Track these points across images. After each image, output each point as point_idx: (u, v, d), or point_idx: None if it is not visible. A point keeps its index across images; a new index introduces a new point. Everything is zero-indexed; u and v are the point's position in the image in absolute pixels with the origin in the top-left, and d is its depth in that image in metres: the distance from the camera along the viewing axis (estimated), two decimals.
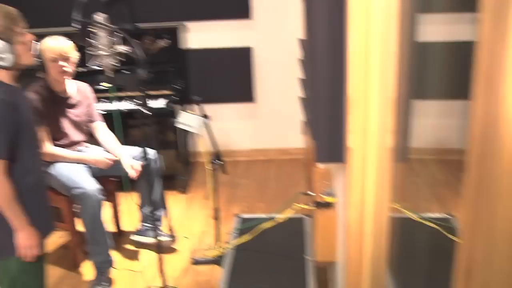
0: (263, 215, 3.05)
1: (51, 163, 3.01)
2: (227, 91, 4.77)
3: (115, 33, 2.15)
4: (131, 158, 3.28)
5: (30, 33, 2.08)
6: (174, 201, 4.12)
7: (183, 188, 4.31)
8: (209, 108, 2.92)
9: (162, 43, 4.32)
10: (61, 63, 3.04)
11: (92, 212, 2.98)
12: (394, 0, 1.42)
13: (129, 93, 4.24)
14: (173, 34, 4.40)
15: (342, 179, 2.21)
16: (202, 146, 2.77)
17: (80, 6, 2.02)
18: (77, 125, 3.29)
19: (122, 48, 2.13)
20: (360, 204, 1.65)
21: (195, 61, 4.70)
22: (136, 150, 3.37)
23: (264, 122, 4.96)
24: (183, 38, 4.53)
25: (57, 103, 3.17)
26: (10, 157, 2.04)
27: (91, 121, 3.41)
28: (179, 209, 4.03)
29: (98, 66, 2.14)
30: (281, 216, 2.72)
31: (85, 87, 3.39)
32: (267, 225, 2.73)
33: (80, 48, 3.21)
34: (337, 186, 2.47)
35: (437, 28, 1.81)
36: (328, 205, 2.44)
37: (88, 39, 2.09)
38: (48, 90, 3.13)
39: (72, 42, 3.12)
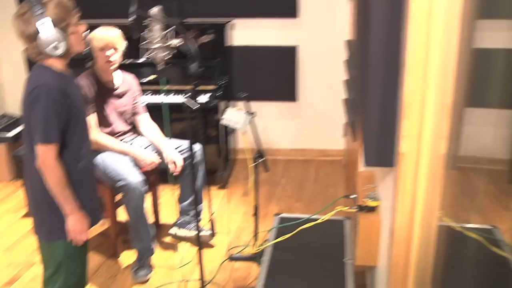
0: (302, 215, 3.02)
1: (97, 152, 3.06)
2: (269, 89, 4.76)
3: (169, 26, 2.17)
4: (174, 152, 3.31)
5: (83, 23, 2.12)
6: (213, 196, 4.15)
7: (222, 183, 4.33)
8: (251, 105, 2.92)
9: (205, 38, 4.35)
10: (108, 52, 3.10)
11: (136, 204, 3.02)
12: (458, 4, 1.39)
13: (175, 87, 4.28)
14: (219, 30, 4.42)
15: (388, 184, 2.17)
16: (245, 143, 2.77)
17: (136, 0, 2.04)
18: (122, 115, 3.34)
19: (175, 42, 2.15)
20: (409, 210, 1.62)
21: (239, 58, 4.71)
22: (180, 144, 3.40)
23: (305, 122, 4.94)
24: (228, 35, 4.54)
25: (104, 92, 3.23)
26: (62, 142, 2.10)
27: (136, 113, 3.46)
28: (217, 204, 4.05)
29: (151, 59, 2.16)
30: (321, 217, 2.69)
31: (131, 78, 3.44)
32: (306, 225, 2.71)
33: (131, 41, 3.28)
34: (382, 190, 2.44)
35: (498, 35, 1.76)
36: (371, 209, 2.41)
37: (143, 32, 2.12)
38: (96, 79, 3.20)
39: (120, 32, 3.17)
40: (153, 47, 2.10)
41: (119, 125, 3.33)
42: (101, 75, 3.22)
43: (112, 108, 3.27)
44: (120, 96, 3.32)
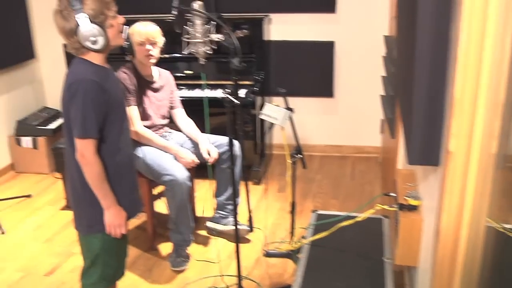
0: (340, 213, 2.99)
1: (138, 145, 3.09)
2: (306, 85, 4.73)
3: (210, 21, 2.16)
4: (209, 144, 3.32)
5: (121, 16, 2.13)
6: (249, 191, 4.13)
7: (257, 179, 4.32)
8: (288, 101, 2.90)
9: (239, 33, 4.33)
10: (147, 47, 3.14)
11: (180, 198, 3.06)
12: None
13: (210, 82, 4.29)
14: (255, 25, 4.40)
15: (432, 183, 2.13)
16: (283, 139, 2.74)
17: None
18: (159, 109, 3.37)
19: (216, 36, 2.14)
20: (456, 211, 1.58)
21: (276, 53, 4.68)
22: (217, 139, 3.41)
23: (341, 118, 4.89)
24: (265, 30, 4.51)
25: (143, 86, 3.27)
26: (100, 136, 2.11)
27: (172, 107, 3.48)
28: (252, 200, 4.04)
29: (192, 53, 2.15)
30: (360, 215, 2.65)
31: (167, 73, 3.47)
32: (344, 223, 2.67)
33: (168, 36, 3.30)
34: (424, 189, 2.39)
35: None
36: (412, 207, 2.36)
37: (185, 27, 2.11)
38: (135, 72, 3.24)
39: (159, 28, 3.20)
40: (195, 41, 2.10)
41: (157, 119, 3.36)
42: (141, 69, 3.26)
43: (151, 101, 3.31)
44: (158, 90, 3.35)
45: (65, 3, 2.00)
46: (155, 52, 3.19)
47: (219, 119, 4.35)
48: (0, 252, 3.47)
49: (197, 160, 3.27)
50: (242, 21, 4.40)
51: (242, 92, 4.17)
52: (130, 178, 2.33)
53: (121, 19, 2.13)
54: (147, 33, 3.13)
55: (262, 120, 4.43)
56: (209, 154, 3.30)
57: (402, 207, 2.38)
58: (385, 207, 2.54)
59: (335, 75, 4.72)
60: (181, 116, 3.51)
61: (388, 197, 3.42)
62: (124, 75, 3.17)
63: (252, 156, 4.35)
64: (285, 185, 4.33)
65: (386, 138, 4.35)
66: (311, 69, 4.69)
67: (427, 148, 1.76)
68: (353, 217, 2.74)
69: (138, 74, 3.25)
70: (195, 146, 3.37)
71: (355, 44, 4.63)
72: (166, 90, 3.43)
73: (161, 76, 3.40)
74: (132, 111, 3.17)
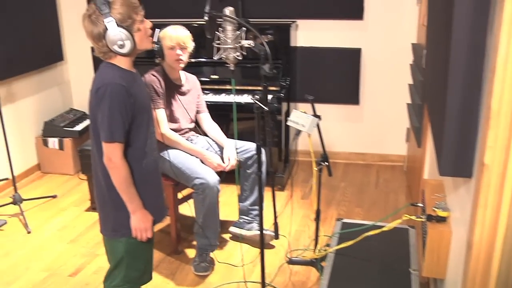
0: (365, 222, 2.96)
1: (165, 148, 3.10)
2: (331, 91, 4.70)
3: (240, 27, 2.16)
4: (232, 151, 3.32)
5: (148, 21, 2.14)
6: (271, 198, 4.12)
7: (281, 185, 4.31)
8: (311, 107, 2.88)
9: (264, 38, 4.33)
10: (178, 52, 3.16)
11: (210, 202, 3.08)
12: None
13: (236, 87, 4.31)
14: (282, 31, 4.39)
15: (462, 194, 2.09)
16: (310, 146, 2.73)
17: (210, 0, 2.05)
18: (186, 112, 3.39)
19: (247, 43, 2.14)
20: (491, 224, 1.55)
21: (302, 59, 4.67)
22: (243, 144, 3.41)
23: (366, 126, 4.85)
24: (292, 36, 4.50)
25: (171, 89, 3.30)
26: (127, 140, 2.12)
27: (198, 111, 3.50)
28: (276, 206, 4.02)
29: (223, 59, 2.15)
30: (386, 225, 2.62)
31: (194, 78, 3.50)
32: (369, 232, 2.64)
33: (197, 41, 3.31)
34: (453, 200, 2.35)
35: None
36: (441, 219, 2.32)
37: (216, 32, 2.12)
38: (164, 75, 3.27)
39: (190, 33, 3.22)
40: (226, 47, 2.10)
41: (184, 122, 3.38)
42: (169, 72, 3.29)
43: (178, 104, 3.33)
44: (185, 93, 3.38)
45: (94, 7, 2.02)
46: (185, 57, 3.22)
47: (243, 124, 4.36)
48: (26, 251, 3.51)
49: (223, 164, 3.27)
50: (268, 27, 4.40)
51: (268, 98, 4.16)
52: (156, 182, 2.34)
53: (148, 23, 2.14)
54: (178, 37, 3.16)
55: (287, 126, 4.42)
56: (228, 160, 3.31)
57: (430, 218, 2.34)
58: (413, 217, 2.50)
59: (361, 82, 4.69)
60: (207, 120, 3.53)
61: (414, 207, 3.38)
62: (153, 78, 3.20)
63: (276, 162, 4.33)
64: (308, 192, 4.31)
65: (412, 147, 4.30)
66: (337, 76, 4.66)
67: (460, 160, 1.74)
68: (379, 227, 2.71)
69: (167, 77, 3.28)
70: (221, 151, 3.38)
71: (382, 51, 4.59)
72: (193, 94, 3.45)
73: (188, 80, 3.43)
74: (160, 114, 3.20)
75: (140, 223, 2.20)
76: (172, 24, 3.27)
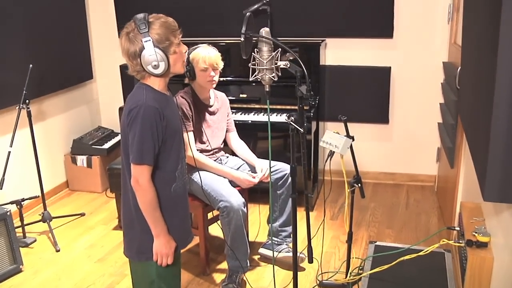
0: (399, 245, 2.89)
1: (194, 169, 3.08)
2: (361, 110, 4.64)
3: (276, 48, 2.14)
4: (265, 164, 3.31)
5: (185, 44, 2.13)
6: (300, 218, 4.06)
7: (310, 206, 4.25)
8: (340, 127, 2.83)
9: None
10: (211, 73, 3.15)
11: (236, 225, 3.04)
12: None
13: (265, 106, 4.28)
14: (312, 50, 4.36)
15: (508, 219, 2.02)
16: (342, 166, 2.68)
17: (247, 20, 2.03)
18: (216, 132, 3.37)
19: (283, 63, 2.11)
20: None
21: (331, 78, 4.63)
22: (275, 163, 3.37)
23: (396, 145, 4.78)
24: (320, 54, 4.47)
25: (201, 109, 3.29)
26: (156, 163, 2.09)
27: (227, 130, 3.48)
28: (303, 227, 3.96)
29: (259, 80, 2.13)
30: (422, 249, 2.55)
31: (223, 96, 3.48)
32: (405, 256, 2.58)
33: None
34: (496, 225, 2.27)
35: None
36: (482, 244, 2.25)
37: (253, 53, 2.10)
38: (193, 96, 3.25)
39: (219, 52, 3.22)
40: (262, 68, 2.07)
41: (214, 142, 3.36)
42: (199, 92, 3.28)
43: (208, 124, 3.31)
44: (214, 113, 3.36)
45: (133, 25, 2.02)
46: (217, 77, 3.22)
47: (272, 143, 4.32)
48: (55, 270, 3.50)
49: (253, 179, 3.24)
50: (297, 46, 4.38)
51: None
52: (184, 208, 2.29)
53: (184, 47, 2.13)
54: (210, 58, 3.15)
55: (316, 146, 4.38)
56: (261, 172, 3.31)
57: (471, 243, 2.27)
58: (451, 242, 2.44)
59: (391, 101, 4.63)
60: (235, 139, 3.52)
61: (446, 230, 3.29)
62: (182, 100, 3.18)
63: (304, 182, 4.27)
64: (337, 213, 4.24)
65: (444, 167, 4.22)
66: (366, 95, 4.61)
67: (507, 185, 1.67)
68: (415, 251, 2.64)
69: (197, 98, 3.27)
70: (252, 170, 3.35)
71: (412, 70, 4.54)
72: (223, 113, 3.43)
73: (218, 99, 3.42)
74: (189, 137, 3.18)
75: (163, 248, 2.15)
76: (198, 43, 3.27)
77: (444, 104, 4.08)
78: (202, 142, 3.30)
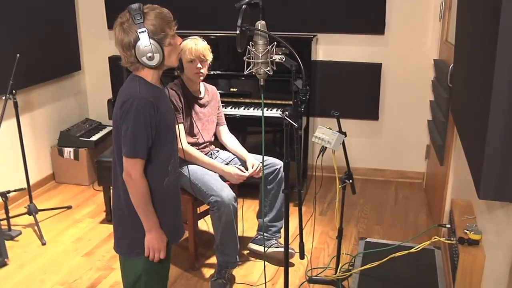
0: (390, 241, 2.90)
1: (184, 163, 3.05)
2: (350, 106, 4.63)
3: (271, 41, 2.11)
4: (256, 160, 3.29)
5: (179, 37, 2.09)
6: (290, 214, 4.05)
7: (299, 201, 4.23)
8: (330, 122, 2.81)
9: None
10: (198, 65, 3.12)
11: (226, 220, 3.01)
12: None
13: (256, 100, 4.26)
14: (304, 45, 4.34)
15: (501, 218, 2.02)
16: (334, 162, 2.67)
17: (243, 13, 2.00)
18: (206, 125, 3.35)
19: (278, 57, 2.09)
20: None
21: (321, 73, 4.61)
22: (266, 158, 3.35)
23: (385, 142, 4.78)
24: (312, 49, 4.44)
25: (190, 102, 3.26)
26: (148, 157, 2.06)
27: (218, 123, 3.46)
28: (293, 223, 3.95)
29: (254, 73, 2.10)
30: (413, 246, 2.55)
31: (213, 89, 3.46)
32: (397, 253, 2.58)
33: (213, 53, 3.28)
34: (488, 222, 2.27)
35: None
36: (473, 242, 2.25)
37: (248, 47, 2.07)
38: (183, 88, 3.23)
39: (207, 44, 3.19)
40: (257, 61, 2.05)
41: (204, 135, 3.33)
42: (189, 85, 3.25)
43: (198, 117, 3.29)
44: (205, 105, 3.33)
45: (127, 15, 1.98)
46: (205, 70, 3.18)
47: (258, 138, 4.31)
48: (41, 263, 3.45)
49: (243, 173, 3.22)
50: (289, 41, 4.34)
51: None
52: (175, 202, 2.26)
53: (179, 39, 2.10)
54: (197, 50, 3.12)
55: (306, 141, 4.36)
56: (252, 168, 3.29)
57: (462, 241, 2.27)
58: (442, 239, 2.44)
59: (381, 97, 4.63)
60: (226, 133, 3.50)
61: (436, 228, 3.30)
62: (172, 92, 3.16)
63: (294, 177, 4.26)
64: (326, 208, 4.24)
65: (433, 164, 4.23)
66: (356, 91, 4.61)
67: (503, 184, 1.67)
68: (406, 248, 2.64)
69: (186, 90, 3.24)
70: (243, 164, 3.33)
71: (402, 67, 4.54)
72: (213, 106, 3.40)
73: (208, 92, 3.39)
74: (179, 129, 3.15)
75: (155, 243, 2.12)
76: (190, 35, 3.23)
77: (435, 102, 4.09)
78: (193, 135, 3.27)
